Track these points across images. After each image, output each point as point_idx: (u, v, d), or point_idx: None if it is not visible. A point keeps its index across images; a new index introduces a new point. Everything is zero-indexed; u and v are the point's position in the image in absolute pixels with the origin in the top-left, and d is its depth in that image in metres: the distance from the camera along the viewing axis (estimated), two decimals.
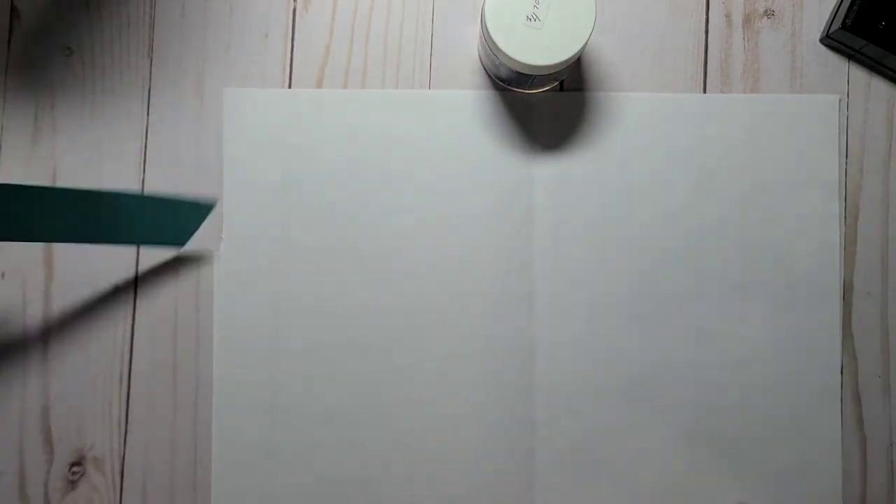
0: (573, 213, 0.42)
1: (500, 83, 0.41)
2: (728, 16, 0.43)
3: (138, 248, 0.42)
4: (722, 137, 0.43)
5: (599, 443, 0.42)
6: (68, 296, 0.42)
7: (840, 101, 0.43)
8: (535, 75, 0.38)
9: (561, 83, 0.43)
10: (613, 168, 0.43)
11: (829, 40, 0.42)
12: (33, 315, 0.42)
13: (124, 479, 0.42)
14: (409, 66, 0.43)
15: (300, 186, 0.42)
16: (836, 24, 0.41)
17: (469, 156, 0.42)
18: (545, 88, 0.42)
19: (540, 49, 0.36)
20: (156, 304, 0.42)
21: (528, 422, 0.42)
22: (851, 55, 0.43)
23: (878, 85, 0.43)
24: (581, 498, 0.41)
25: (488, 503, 0.41)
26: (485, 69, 0.42)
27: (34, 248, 0.42)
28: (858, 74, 0.43)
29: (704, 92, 0.43)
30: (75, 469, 0.42)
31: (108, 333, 0.42)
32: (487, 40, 0.37)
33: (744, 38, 0.43)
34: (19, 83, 0.43)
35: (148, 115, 0.43)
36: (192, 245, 0.42)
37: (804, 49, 0.43)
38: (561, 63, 0.36)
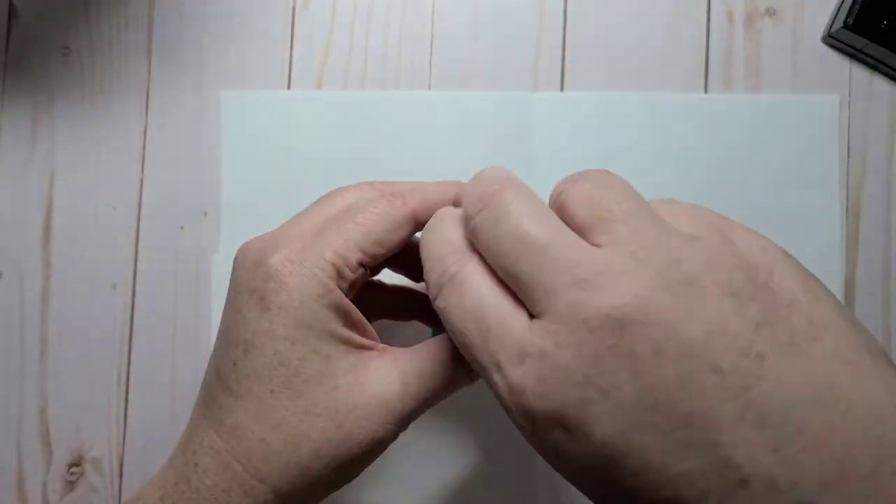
0: None
1: None
2: (729, 15, 0.43)
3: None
4: (722, 137, 0.42)
5: None
6: (66, 296, 0.42)
7: (841, 100, 0.42)
8: None
9: (562, 84, 0.43)
10: (613, 168, 0.42)
11: (831, 39, 0.42)
12: (31, 315, 0.42)
13: (123, 480, 0.41)
14: (409, 67, 0.43)
15: (299, 188, 0.42)
16: (838, 24, 0.41)
17: (469, 156, 0.42)
18: None
19: None
20: (154, 304, 0.42)
21: None
22: (853, 54, 0.42)
23: (881, 84, 0.43)
24: None
25: None
26: None
27: (32, 248, 0.42)
28: (860, 74, 0.43)
29: (706, 92, 0.43)
30: (74, 470, 0.41)
31: (107, 334, 0.42)
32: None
33: (745, 37, 0.43)
34: (17, 83, 0.43)
35: (146, 114, 0.43)
36: (191, 246, 0.42)
37: (805, 48, 0.43)
38: None
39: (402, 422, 0.29)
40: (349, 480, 0.29)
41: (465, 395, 0.42)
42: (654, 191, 0.42)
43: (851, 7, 0.40)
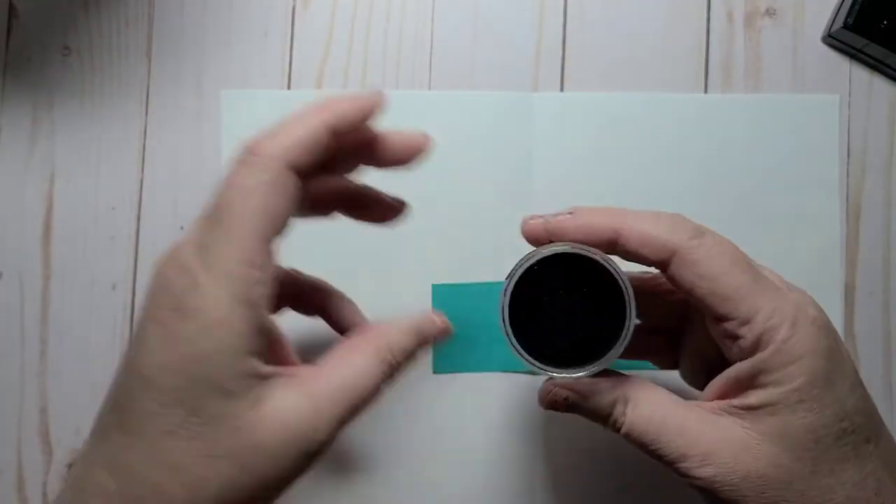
0: None
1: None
2: (729, 15, 0.43)
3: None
4: (722, 137, 0.42)
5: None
6: (66, 295, 0.42)
7: (841, 100, 0.42)
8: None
9: (562, 84, 0.43)
10: (613, 168, 0.42)
11: (831, 39, 0.42)
12: (31, 315, 0.42)
13: None
14: (409, 66, 0.43)
15: None
16: (838, 24, 0.41)
17: (469, 156, 0.42)
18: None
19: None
20: None
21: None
22: (853, 54, 0.42)
23: (880, 84, 0.43)
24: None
25: None
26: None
27: (32, 248, 0.42)
28: (860, 74, 0.43)
29: (706, 92, 0.43)
30: None
31: (107, 333, 0.42)
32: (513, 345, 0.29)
33: (745, 37, 0.43)
34: (17, 82, 0.43)
35: (146, 114, 0.43)
36: None
37: (806, 48, 0.43)
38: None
39: (318, 450, 0.26)
40: None
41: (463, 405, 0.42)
42: (654, 190, 0.42)
43: (851, 7, 0.40)
